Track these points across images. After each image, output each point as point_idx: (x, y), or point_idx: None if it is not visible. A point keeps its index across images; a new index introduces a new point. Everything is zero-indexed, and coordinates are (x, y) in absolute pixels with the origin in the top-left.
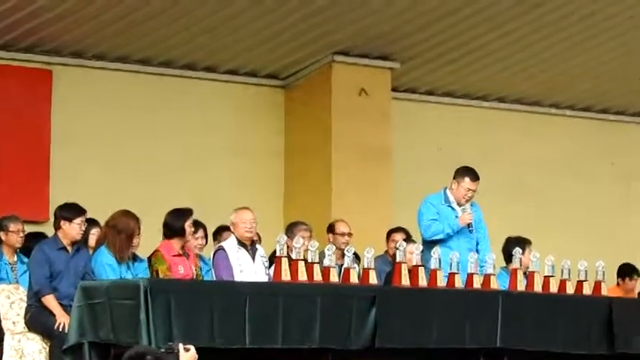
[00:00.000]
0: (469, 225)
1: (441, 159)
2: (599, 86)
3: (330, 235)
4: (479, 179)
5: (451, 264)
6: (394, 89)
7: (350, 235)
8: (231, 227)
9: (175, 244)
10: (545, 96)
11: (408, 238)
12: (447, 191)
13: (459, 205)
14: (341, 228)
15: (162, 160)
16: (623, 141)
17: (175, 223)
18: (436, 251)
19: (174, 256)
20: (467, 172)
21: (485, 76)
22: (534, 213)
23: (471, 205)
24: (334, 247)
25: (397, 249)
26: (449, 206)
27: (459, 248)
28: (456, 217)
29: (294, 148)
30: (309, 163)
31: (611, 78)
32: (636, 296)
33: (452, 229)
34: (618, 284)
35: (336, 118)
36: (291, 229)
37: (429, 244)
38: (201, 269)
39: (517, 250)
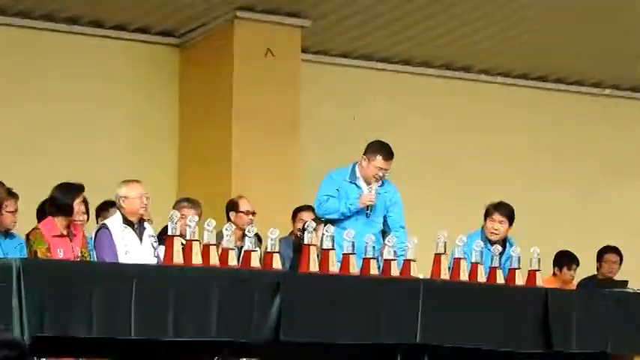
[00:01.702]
0: (368, 207)
1: (356, 130)
2: (521, 50)
3: (233, 214)
4: (393, 157)
5: (366, 249)
6: (304, 50)
7: (254, 213)
8: (118, 202)
9: (59, 222)
10: (475, 61)
11: (318, 218)
12: (356, 166)
13: (367, 183)
14: (244, 206)
15: (42, 129)
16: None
17: (63, 200)
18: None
19: (56, 236)
20: (380, 148)
21: (407, 38)
22: (456, 188)
23: (382, 185)
24: (233, 227)
25: (305, 230)
26: (353, 183)
27: (358, 231)
28: (360, 195)
29: (189, 115)
30: (207, 133)
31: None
32: (574, 288)
33: (348, 209)
34: (555, 274)
35: (238, 83)
36: (176, 207)
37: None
38: (90, 253)
39: (442, 234)
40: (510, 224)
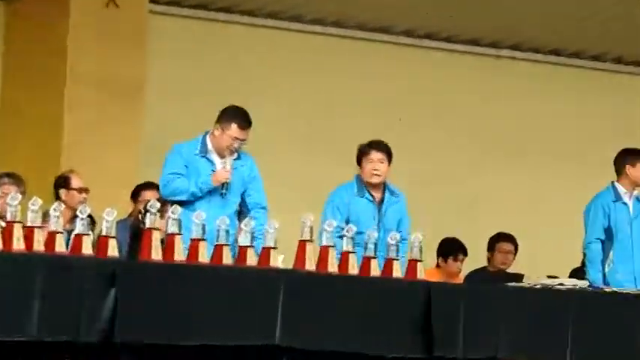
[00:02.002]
0: (223, 185)
1: (211, 97)
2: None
3: (63, 192)
4: (250, 125)
5: (218, 233)
6: (154, 1)
7: (87, 191)
8: None
9: None
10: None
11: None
12: (207, 137)
13: (221, 156)
14: (76, 182)
15: None
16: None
17: None
18: (199, 216)
19: None
20: (235, 115)
21: None
22: (333, 152)
23: (238, 158)
24: (63, 207)
25: (147, 211)
26: (204, 157)
27: (209, 215)
28: (213, 172)
29: (14, 76)
30: (36, 98)
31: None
32: (461, 281)
33: (199, 189)
34: (438, 265)
35: (73, 38)
36: None
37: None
38: None
39: (307, 217)
40: (389, 163)
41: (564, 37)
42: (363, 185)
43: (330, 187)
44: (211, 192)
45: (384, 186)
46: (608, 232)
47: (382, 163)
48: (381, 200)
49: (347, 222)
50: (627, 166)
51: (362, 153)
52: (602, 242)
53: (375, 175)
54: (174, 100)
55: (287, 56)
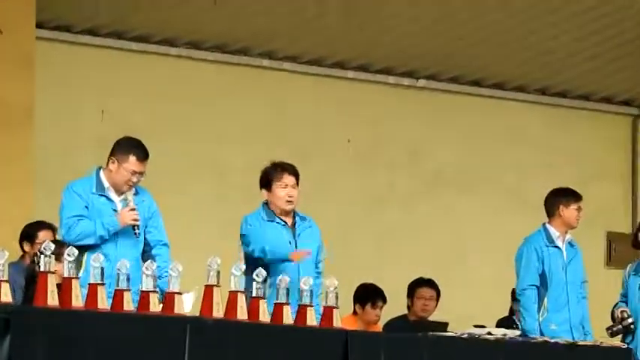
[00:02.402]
0: (134, 226)
1: (105, 127)
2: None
3: None
4: (148, 157)
5: (118, 277)
6: (40, 25)
7: None
8: None
9: None
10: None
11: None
12: (101, 173)
13: (118, 193)
14: None
15: None
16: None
17: None
18: (97, 259)
19: None
20: (131, 147)
21: (159, 13)
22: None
23: (136, 193)
24: None
25: (41, 253)
26: (102, 195)
27: (123, 256)
28: (114, 211)
29: None
30: None
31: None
32: (380, 330)
33: (107, 231)
34: (355, 313)
35: None
36: None
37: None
38: None
39: (214, 261)
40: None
41: (487, 67)
42: (272, 211)
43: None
44: (117, 233)
45: (292, 211)
46: (542, 277)
47: (294, 188)
48: (293, 224)
49: (263, 251)
50: (561, 207)
51: (271, 177)
52: (537, 288)
53: (289, 201)
54: (70, 131)
55: (180, 85)
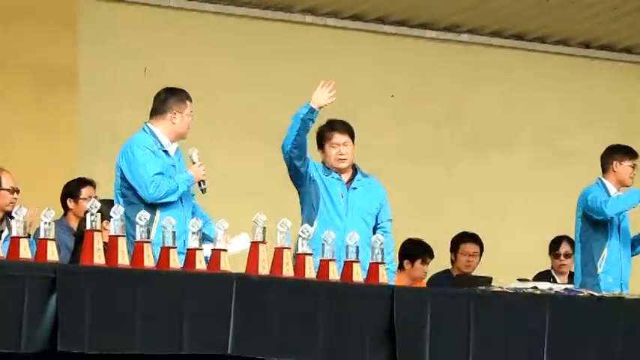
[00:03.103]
0: (201, 182)
1: (146, 83)
2: None
3: None
4: None
5: (164, 236)
6: None
7: (17, 191)
8: None
9: None
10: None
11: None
12: (154, 128)
13: (174, 143)
14: (7, 182)
15: None
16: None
17: None
18: (143, 217)
19: None
20: (183, 93)
21: None
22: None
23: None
24: None
25: (88, 212)
26: (164, 151)
27: (187, 214)
28: (173, 166)
29: None
30: None
31: None
32: (425, 286)
33: (188, 187)
34: (403, 268)
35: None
36: None
37: (145, 208)
38: None
39: (259, 217)
40: (353, 142)
41: (529, 20)
42: (327, 167)
43: (262, 173)
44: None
45: (353, 168)
46: (604, 227)
47: (346, 145)
48: (350, 180)
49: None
50: (615, 163)
51: (322, 136)
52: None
53: (340, 159)
54: (112, 91)
55: (220, 40)
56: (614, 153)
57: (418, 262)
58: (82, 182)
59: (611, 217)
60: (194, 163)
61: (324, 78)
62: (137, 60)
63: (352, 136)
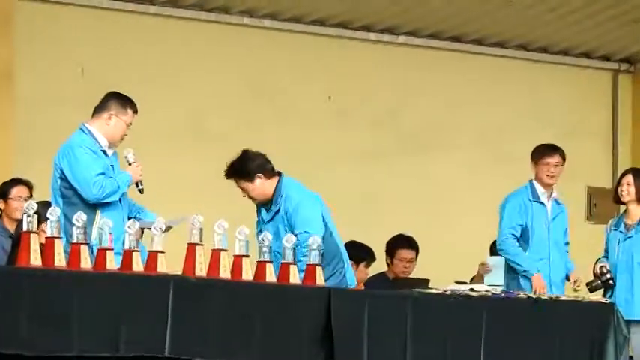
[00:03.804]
0: (139, 182)
1: (84, 84)
2: None
3: None
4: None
5: (100, 237)
6: None
7: None
8: None
9: None
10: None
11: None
12: (92, 128)
13: (110, 148)
14: None
15: None
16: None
17: None
18: (80, 218)
19: None
20: (128, 100)
21: None
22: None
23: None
24: None
25: (25, 213)
26: (102, 151)
27: (124, 214)
28: (112, 167)
29: None
30: None
31: None
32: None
33: (126, 187)
34: None
35: None
36: None
37: (85, 208)
38: None
39: (196, 218)
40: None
41: (466, 23)
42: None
43: (199, 175)
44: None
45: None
46: (524, 232)
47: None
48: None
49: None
50: (533, 165)
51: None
52: (517, 239)
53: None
54: (49, 90)
55: (160, 43)
56: (533, 155)
57: (362, 265)
58: (14, 182)
59: (525, 225)
60: (130, 164)
61: (261, 80)
62: (74, 60)
63: (246, 178)
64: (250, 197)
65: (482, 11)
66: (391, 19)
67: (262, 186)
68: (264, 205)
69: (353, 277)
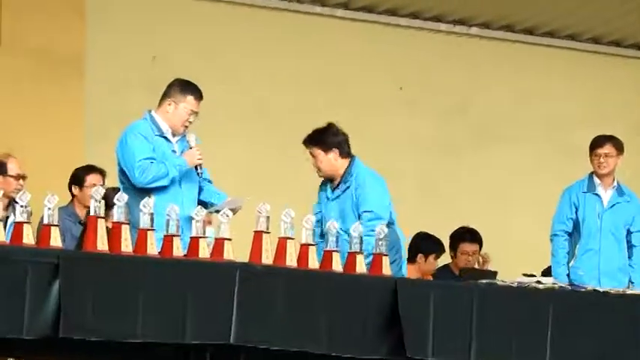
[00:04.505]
0: (197, 166)
1: (154, 71)
2: None
3: None
4: (202, 97)
5: (168, 223)
6: None
7: (23, 177)
8: None
9: None
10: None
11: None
12: (155, 115)
13: (174, 134)
14: (13, 167)
15: None
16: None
17: None
18: (147, 204)
19: None
20: (188, 87)
21: None
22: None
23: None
24: (0, 194)
25: (92, 197)
26: (162, 136)
27: (185, 199)
28: (173, 152)
29: None
30: None
31: None
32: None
33: (179, 172)
34: (415, 261)
35: (7, 9)
36: None
37: (139, 193)
38: None
39: (263, 207)
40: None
41: (539, 15)
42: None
43: (268, 163)
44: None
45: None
46: (577, 224)
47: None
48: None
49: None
50: (589, 158)
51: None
52: (569, 234)
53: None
54: (118, 77)
55: (232, 31)
56: (589, 146)
57: (432, 257)
58: (89, 169)
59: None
60: (191, 147)
61: (332, 69)
62: (146, 47)
63: (321, 147)
64: (318, 167)
65: (554, 3)
66: (463, 10)
67: (335, 161)
68: (329, 182)
69: (406, 269)
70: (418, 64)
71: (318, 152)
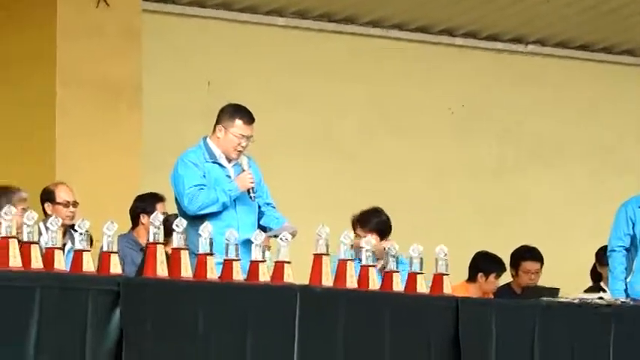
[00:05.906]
0: (250, 189)
1: (211, 98)
2: None
3: (49, 206)
4: (254, 121)
5: (227, 247)
6: None
7: (75, 204)
8: None
9: None
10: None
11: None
12: (209, 141)
13: (229, 160)
14: (63, 195)
15: None
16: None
17: None
18: (206, 229)
19: None
20: (237, 111)
21: None
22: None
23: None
24: (60, 221)
25: (151, 224)
26: (215, 163)
27: (241, 223)
28: (228, 177)
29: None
30: (23, 103)
31: None
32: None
33: (229, 197)
34: (476, 280)
35: (63, 39)
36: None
37: (194, 221)
38: None
39: (322, 230)
40: None
41: (593, 32)
42: None
43: (328, 186)
44: (235, 200)
45: None
46: (633, 239)
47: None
48: None
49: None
50: None
51: None
52: (627, 250)
53: None
54: (175, 103)
55: (287, 55)
56: None
57: (492, 277)
58: (156, 198)
59: (634, 232)
60: (243, 171)
61: (386, 90)
62: (201, 73)
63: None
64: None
65: (611, 20)
66: (518, 27)
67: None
68: None
69: None
70: (471, 85)
71: (361, 232)
